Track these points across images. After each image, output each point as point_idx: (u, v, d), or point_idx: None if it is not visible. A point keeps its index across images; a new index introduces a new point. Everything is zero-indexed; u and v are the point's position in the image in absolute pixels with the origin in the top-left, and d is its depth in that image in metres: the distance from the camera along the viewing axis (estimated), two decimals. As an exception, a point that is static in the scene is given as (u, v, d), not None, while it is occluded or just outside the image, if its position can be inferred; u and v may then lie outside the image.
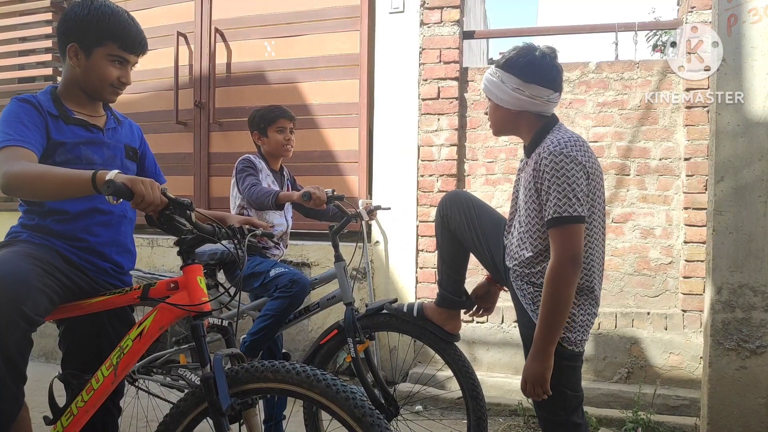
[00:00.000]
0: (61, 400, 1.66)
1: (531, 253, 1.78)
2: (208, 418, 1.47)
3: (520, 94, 1.75)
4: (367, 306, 2.47)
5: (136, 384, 2.44)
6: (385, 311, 2.37)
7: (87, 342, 1.79)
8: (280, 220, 2.73)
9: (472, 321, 3.63)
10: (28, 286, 1.48)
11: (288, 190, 2.82)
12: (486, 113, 1.95)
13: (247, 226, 1.74)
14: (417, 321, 2.26)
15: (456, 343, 2.29)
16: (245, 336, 2.43)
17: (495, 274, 2.04)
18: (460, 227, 2.02)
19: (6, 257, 1.55)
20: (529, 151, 1.83)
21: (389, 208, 3.15)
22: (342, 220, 2.59)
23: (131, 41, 1.72)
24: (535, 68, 1.75)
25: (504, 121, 1.85)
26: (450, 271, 2.14)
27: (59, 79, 5.35)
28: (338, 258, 2.51)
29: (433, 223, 2.24)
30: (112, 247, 1.80)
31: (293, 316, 2.54)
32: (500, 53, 1.87)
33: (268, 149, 2.74)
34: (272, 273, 2.43)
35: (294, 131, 2.77)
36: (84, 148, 1.73)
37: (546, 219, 1.68)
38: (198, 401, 1.48)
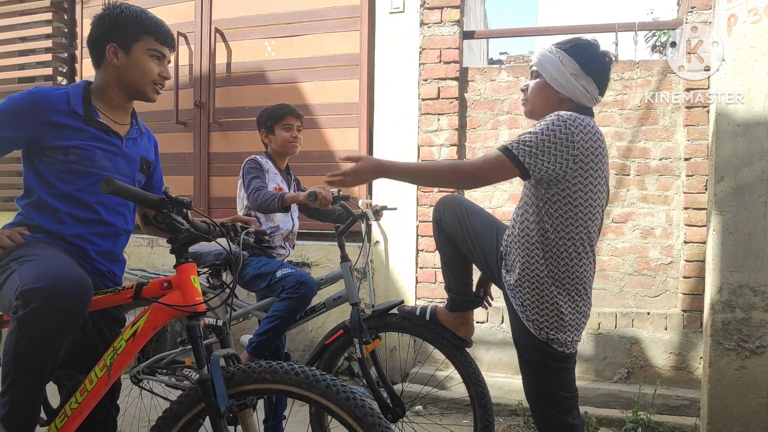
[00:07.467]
0: (54, 401, 1.64)
1: (522, 257, 1.76)
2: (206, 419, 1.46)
3: (576, 81, 1.74)
4: (372, 306, 2.46)
5: (141, 384, 2.43)
6: (395, 312, 2.36)
7: (80, 343, 1.77)
8: (286, 220, 2.71)
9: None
10: (90, 292, 1.47)
11: (294, 190, 2.81)
12: (522, 90, 1.89)
13: (239, 224, 1.73)
14: (429, 325, 2.25)
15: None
16: (252, 337, 2.41)
17: (491, 278, 2.03)
18: (454, 231, 2.01)
19: (57, 258, 1.52)
20: None
21: (395, 209, 3.09)
22: (347, 220, 2.56)
23: (165, 34, 1.78)
24: (597, 63, 1.75)
25: (546, 102, 1.80)
26: (456, 275, 2.12)
27: (59, 79, 5.26)
28: (344, 258, 2.48)
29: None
30: (106, 256, 1.79)
31: (299, 317, 2.52)
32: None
33: (275, 147, 2.73)
34: (279, 274, 2.41)
35: (301, 129, 2.78)
36: (99, 152, 1.72)
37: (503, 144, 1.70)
38: (194, 402, 1.46)
